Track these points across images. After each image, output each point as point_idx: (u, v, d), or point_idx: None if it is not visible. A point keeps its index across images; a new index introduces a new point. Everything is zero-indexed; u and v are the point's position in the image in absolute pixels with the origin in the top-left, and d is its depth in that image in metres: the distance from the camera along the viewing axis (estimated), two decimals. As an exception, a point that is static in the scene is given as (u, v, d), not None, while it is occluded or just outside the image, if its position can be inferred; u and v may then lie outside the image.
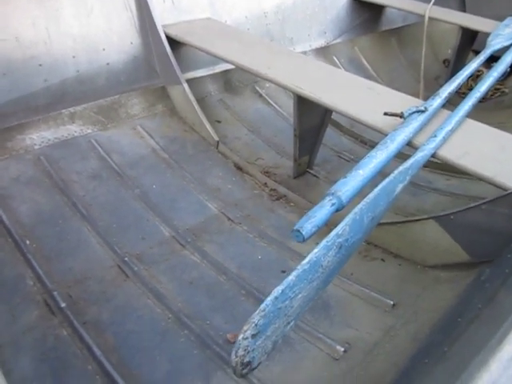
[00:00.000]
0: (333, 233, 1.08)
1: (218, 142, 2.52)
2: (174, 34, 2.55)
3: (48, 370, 1.40)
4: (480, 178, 1.58)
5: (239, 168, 2.45)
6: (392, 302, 1.65)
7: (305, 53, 3.36)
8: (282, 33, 3.27)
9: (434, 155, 1.64)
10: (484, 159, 1.64)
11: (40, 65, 2.27)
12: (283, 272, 1.83)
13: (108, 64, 2.49)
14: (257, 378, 1.39)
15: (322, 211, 1.19)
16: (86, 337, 1.49)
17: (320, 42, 3.49)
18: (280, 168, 2.50)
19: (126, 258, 1.81)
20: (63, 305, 1.59)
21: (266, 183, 2.35)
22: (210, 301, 1.69)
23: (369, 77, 3.60)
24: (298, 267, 0.98)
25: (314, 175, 2.46)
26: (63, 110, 2.36)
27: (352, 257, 1.90)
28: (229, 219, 2.10)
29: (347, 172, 1.39)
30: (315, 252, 1.02)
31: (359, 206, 1.18)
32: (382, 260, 1.89)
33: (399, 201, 2.35)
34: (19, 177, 2.09)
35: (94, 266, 1.78)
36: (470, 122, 1.87)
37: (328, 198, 1.25)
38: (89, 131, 2.41)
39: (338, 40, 3.58)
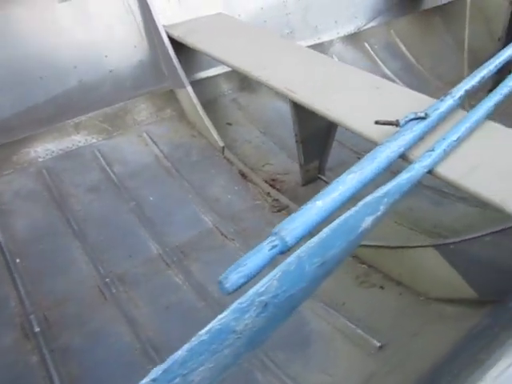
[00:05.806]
0: (251, 291, 0.91)
1: (223, 147, 2.39)
2: (176, 34, 2.42)
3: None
4: (485, 203, 1.30)
5: (244, 175, 2.30)
6: (379, 344, 1.43)
7: (331, 42, 3.08)
8: (305, 22, 3.00)
9: (431, 172, 1.37)
10: (497, 177, 1.34)
11: (40, 77, 2.27)
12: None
13: (111, 71, 2.44)
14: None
15: (257, 257, 1.02)
16: (51, 366, 1.47)
17: (349, 29, 3.17)
18: (289, 174, 2.32)
19: (108, 279, 1.77)
20: (37, 329, 1.58)
21: (269, 193, 2.19)
22: (183, 329, 1.58)
23: (407, 64, 3.24)
24: (193, 339, 0.82)
25: (326, 182, 2.24)
26: (68, 121, 2.36)
27: (348, 282, 1.74)
28: (222, 234, 1.98)
29: None
30: (220, 318, 0.85)
31: (296, 253, 0.98)
32: (381, 287, 1.67)
33: (416, 211, 2.08)
34: (20, 190, 2.12)
35: (76, 287, 1.76)
36: (491, 125, 1.55)
37: (269, 240, 1.07)
38: (93, 141, 2.39)
39: (371, 24, 3.22)
